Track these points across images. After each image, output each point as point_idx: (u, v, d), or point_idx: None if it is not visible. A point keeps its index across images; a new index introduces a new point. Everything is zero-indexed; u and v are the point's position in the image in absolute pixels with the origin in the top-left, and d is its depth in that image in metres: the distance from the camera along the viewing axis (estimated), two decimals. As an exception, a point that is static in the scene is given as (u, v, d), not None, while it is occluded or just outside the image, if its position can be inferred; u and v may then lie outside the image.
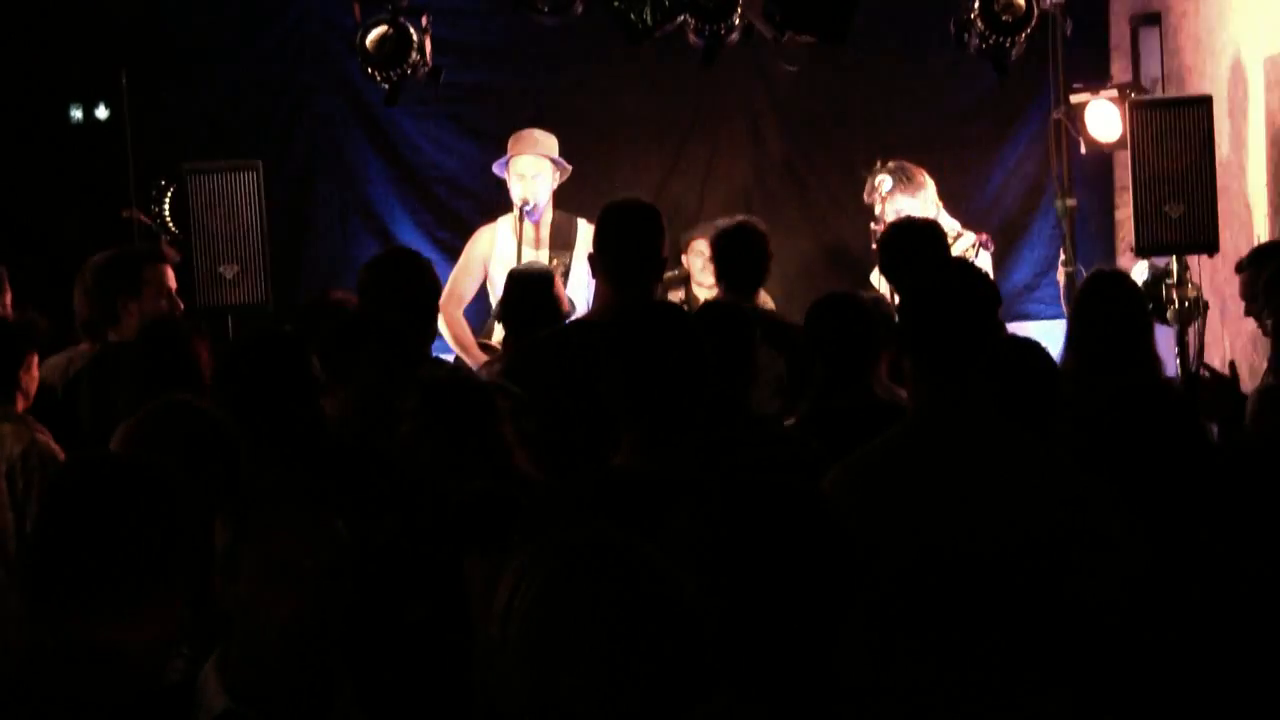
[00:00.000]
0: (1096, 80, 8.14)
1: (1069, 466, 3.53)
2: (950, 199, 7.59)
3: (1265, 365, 5.82)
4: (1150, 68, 8.72)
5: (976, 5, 7.31)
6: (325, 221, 8.96)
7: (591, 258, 4.94)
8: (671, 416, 3.45)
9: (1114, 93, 7.91)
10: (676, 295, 8.03)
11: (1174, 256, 7.38)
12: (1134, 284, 6.08)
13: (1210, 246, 7.33)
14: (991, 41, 7.36)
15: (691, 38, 7.45)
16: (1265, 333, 5.94)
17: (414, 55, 7.53)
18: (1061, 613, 2.90)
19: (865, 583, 2.50)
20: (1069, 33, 7.73)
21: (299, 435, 4.22)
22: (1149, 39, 8.77)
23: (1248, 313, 6.23)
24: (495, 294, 7.14)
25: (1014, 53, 7.41)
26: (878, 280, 6.96)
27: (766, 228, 6.22)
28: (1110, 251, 8.90)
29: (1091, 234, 8.64)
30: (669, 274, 7.77)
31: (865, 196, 7.28)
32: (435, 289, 5.23)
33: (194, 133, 8.30)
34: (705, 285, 8.14)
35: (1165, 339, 7.01)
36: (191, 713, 2.59)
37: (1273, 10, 7.59)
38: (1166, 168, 7.25)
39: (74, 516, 2.54)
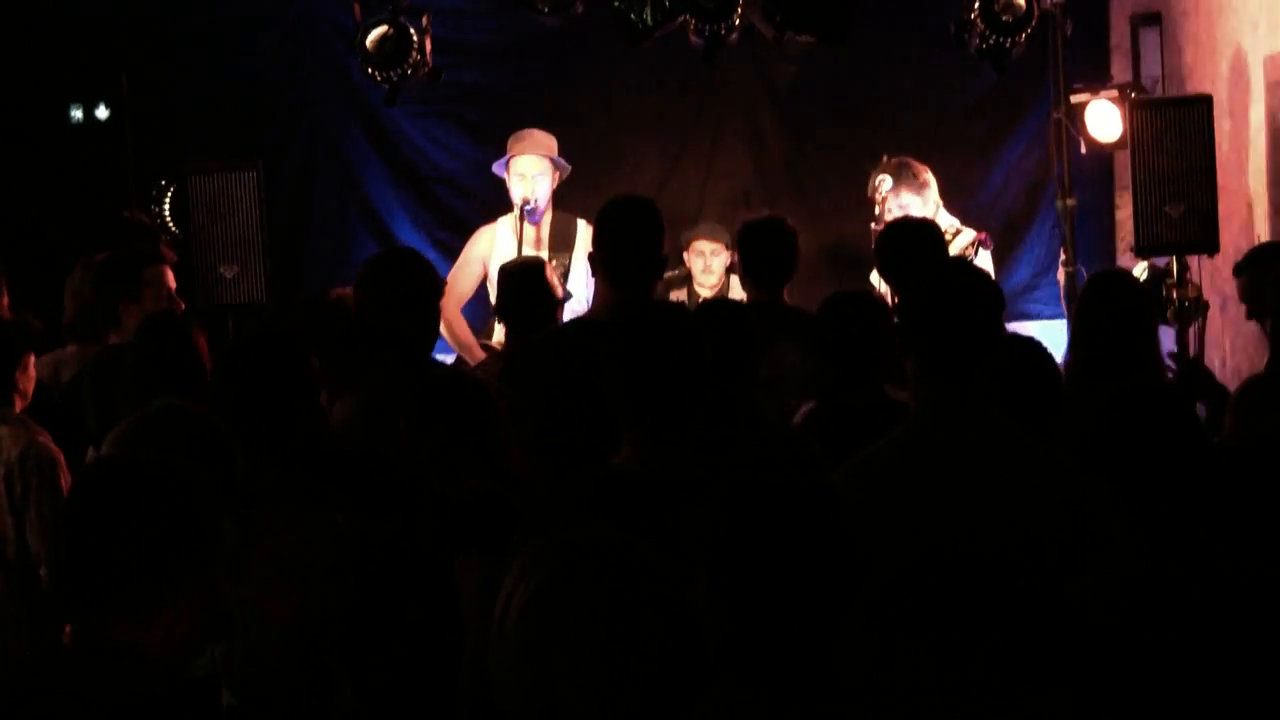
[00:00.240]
0: (1096, 80, 8.14)
1: (1069, 467, 3.53)
2: (950, 199, 7.59)
3: (1265, 365, 5.82)
4: (1150, 68, 8.72)
5: (976, 5, 7.31)
6: (325, 221, 8.96)
7: (591, 256, 4.94)
8: (672, 416, 3.44)
9: (1114, 93, 7.90)
10: (678, 295, 8.03)
11: (1174, 256, 7.37)
12: (1137, 284, 6.08)
13: (1210, 246, 7.33)
14: (991, 41, 7.36)
15: (691, 38, 7.45)
16: (1265, 333, 5.94)
17: (414, 55, 7.53)
18: (1061, 613, 2.90)
19: (867, 581, 2.50)
20: (1069, 33, 7.73)
21: (299, 436, 4.23)
22: (1149, 39, 8.77)
23: (1250, 315, 6.22)
24: (495, 293, 7.13)
25: (1014, 53, 7.41)
26: (877, 280, 6.95)
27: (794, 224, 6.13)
28: (1110, 251, 8.89)
29: (1091, 234, 8.64)
30: (670, 273, 7.76)
31: (869, 194, 7.28)
32: (435, 290, 5.17)
33: (194, 133, 8.30)
34: (706, 285, 8.14)
35: (1165, 339, 7.01)
36: (216, 708, 2.60)
37: (1273, 10, 7.59)
38: (1166, 168, 7.25)
39: (97, 516, 2.55)
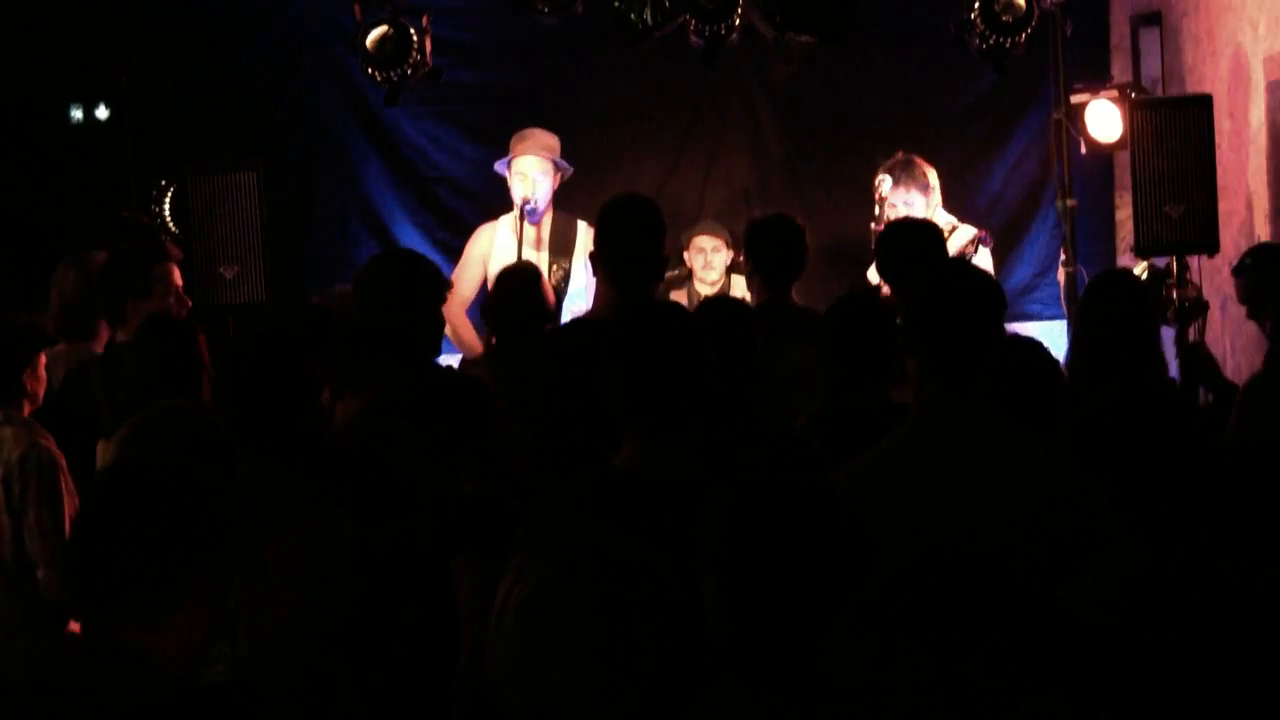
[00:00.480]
0: (1096, 80, 8.14)
1: (1069, 467, 3.53)
2: (950, 199, 7.59)
3: (1263, 363, 5.82)
4: (1150, 68, 8.72)
5: (976, 5, 7.31)
6: (325, 221, 8.96)
7: (592, 256, 4.93)
8: (672, 416, 3.44)
9: (1114, 93, 7.90)
10: (678, 295, 8.02)
11: (1174, 256, 7.37)
12: (1139, 284, 6.08)
13: (1210, 246, 7.33)
14: (991, 41, 7.36)
15: (692, 38, 7.45)
16: (1265, 333, 5.94)
17: (414, 55, 7.53)
18: (1061, 613, 2.90)
19: (868, 581, 2.50)
20: (1069, 33, 7.73)
21: (301, 437, 4.22)
22: (1149, 39, 8.77)
23: (1250, 315, 6.23)
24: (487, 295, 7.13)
25: (1014, 53, 7.41)
26: (874, 278, 6.95)
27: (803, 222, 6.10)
28: (1110, 251, 8.90)
29: (1091, 234, 8.63)
30: (671, 273, 7.76)
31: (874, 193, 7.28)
32: (438, 292, 5.14)
33: (194, 133, 8.29)
34: (707, 281, 8.13)
35: (1165, 339, 7.01)
36: (230, 714, 2.60)
37: (1273, 10, 7.59)
38: (1166, 168, 7.25)
39: (111, 520, 2.54)
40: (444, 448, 4.11)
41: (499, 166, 7.60)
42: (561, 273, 7.47)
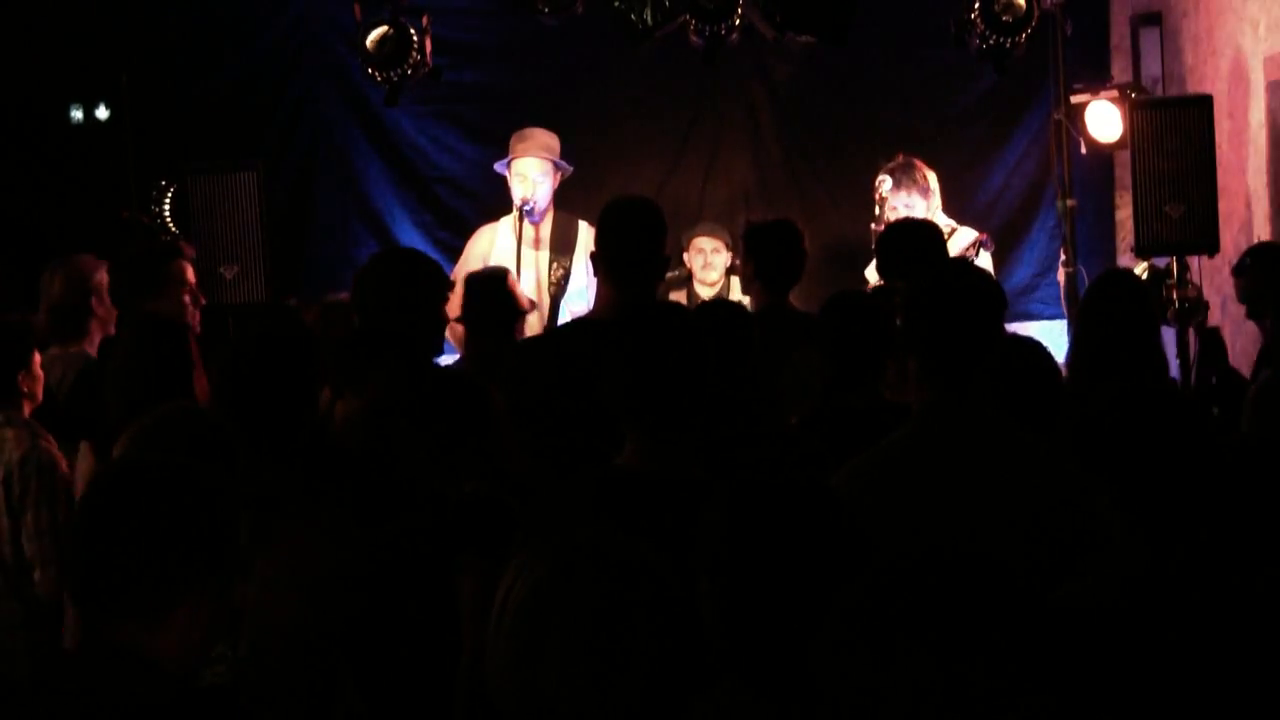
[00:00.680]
0: (1097, 80, 8.14)
1: (1069, 467, 3.53)
2: (950, 199, 7.60)
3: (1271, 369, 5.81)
4: (1150, 68, 8.72)
5: (976, 5, 7.31)
6: (325, 221, 8.96)
7: (593, 256, 4.93)
8: (673, 416, 3.44)
9: (1114, 93, 7.91)
10: (678, 296, 8.03)
11: (1174, 256, 7.37)
12: (1140, 284, 6.08)
13: (1210, 246, 7.33)
14: (991, 41, 7.36)
15: (692, 38, 7.45)
16: (1264, 332, 5.95)
17: (414, 55, 7.54)
18: (1061, 613, 2.90)
19: (867, 581, 2.50)
20: (1069, 33, 7.73)
21: (302, 437, 4.22)
22: (1149, 39, 8.77)
23: (1250, 315, 6.23)
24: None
25: (1014, 53, 7.41)
26: (873, 276, 6.96)
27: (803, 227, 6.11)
28: (1110, 251, 8.90)
29: (1091, 234, 8.64)
30: (671, 274, 7.76)
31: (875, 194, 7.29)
32: (438, 292, 5.12)
33: (194, 133, 8.29)
34: (707, 282, 8.14)
35: (1165, 339, 7.01)
36: (230, 714, 2.60)
37: (1273, 10, 7.59)
38: (1166, 168, 7.25)
39: (109, 518, 2.54)
40: (444, 448, 4.11)
41: (499, 167, 7.61)
42: (562, 272, 7.47)
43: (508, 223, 7.49)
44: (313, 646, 2.86)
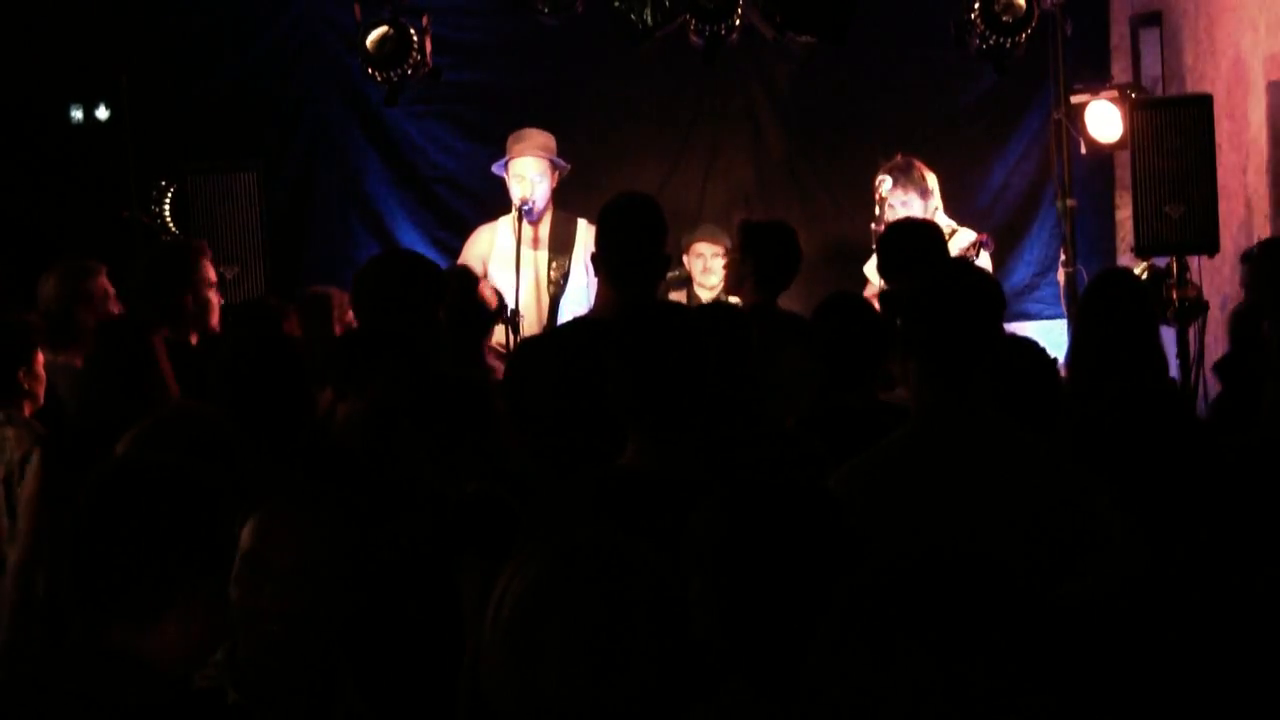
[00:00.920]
0: (1096, 80, 8.14)
1: (1069, 467, 3.53)
2: (950, 199, 7.60)
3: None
4: (1150, 68, 8.72)
5: (976, 5, 7.32)
6: (325, 221, 8.96)
7: (593, 256, 4.93)
8: (673, 416, 3.44)
9: (1114, 93, 7.91)
10: (677, 297, 8.03)
11: (1174, 256, 7.37)
12: (1140, 284, 6.08)
13: (1210, 246, 7.34)
14: (991, 41, 7.37)
15: (692, 38, 7.45)
16: (1265, 332, 5.95)
17: (414, 55, 7.54)
18: (1061, 613, 2.90)
19: (867, 581, 2.50)
20: (1069, 33, 7.74)
21: (302, 437, 4.22)
22: (1149, 39, 8.78)
23: (1250, 314, 6.22)
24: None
25: (1014, 53, 7.41)
26: (872, 273, 6.96)
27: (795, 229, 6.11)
28: (1110, 251, 8.90)
29: (1091, 234, 8.64)
30: (670, 275, 7.76)
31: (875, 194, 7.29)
32: (437, 292, 5.13)
33: (194, 133, 8.30)
34: (706, 286, 8.13)
35: (1165, 339, 7.01)
36: (225, 716, 2.59)
37: (1273, 10, 7.59)
38: (1166, 168, 7.26)
39: (103, 518, 2.53)
40: (444, 448, 4.11)
41: (496, 168, 7.61)
42: (561, 271, 7.47)
43: (507, 223, 7.49)
44: (312, 646, 2.86)
